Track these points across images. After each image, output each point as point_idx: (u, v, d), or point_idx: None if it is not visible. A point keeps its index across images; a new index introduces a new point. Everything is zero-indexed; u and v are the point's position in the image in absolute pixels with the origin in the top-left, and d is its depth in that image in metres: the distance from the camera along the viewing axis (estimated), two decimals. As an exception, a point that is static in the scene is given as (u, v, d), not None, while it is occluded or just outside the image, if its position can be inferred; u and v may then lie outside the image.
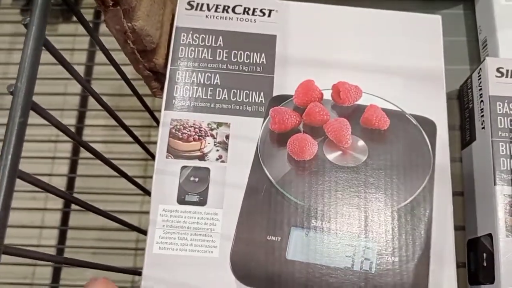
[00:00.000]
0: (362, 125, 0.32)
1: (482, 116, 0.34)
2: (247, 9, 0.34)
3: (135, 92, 0.35)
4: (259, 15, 0.34)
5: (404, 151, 0.32)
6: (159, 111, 0.40)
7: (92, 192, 0.61)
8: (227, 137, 0.31)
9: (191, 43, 0.33)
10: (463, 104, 0.38)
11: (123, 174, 0.34)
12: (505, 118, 0.33)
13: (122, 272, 0.33)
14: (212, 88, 0.33)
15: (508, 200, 0.31)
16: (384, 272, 0.29)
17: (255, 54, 0.33)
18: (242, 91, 0.33)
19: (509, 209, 0.31)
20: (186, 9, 0.34)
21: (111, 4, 0.27)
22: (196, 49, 0.33)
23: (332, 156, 0.32)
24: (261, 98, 0.32)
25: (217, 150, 0.31)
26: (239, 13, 0.34)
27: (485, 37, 0.39)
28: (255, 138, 0.31)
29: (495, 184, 0.32)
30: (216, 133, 0.32)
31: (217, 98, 0.32)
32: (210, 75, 0.33)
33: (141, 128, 0.62)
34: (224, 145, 0.31)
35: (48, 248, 0.61)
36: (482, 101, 0.34)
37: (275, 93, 0.33)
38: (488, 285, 0.31)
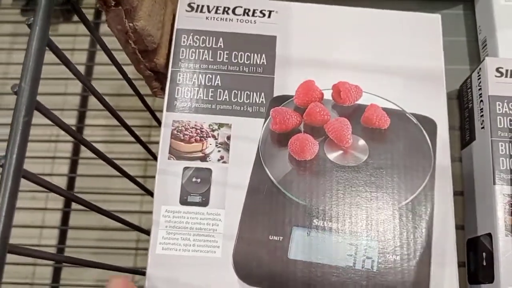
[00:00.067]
0: (363, 124, 0.32)
1: (482, 116, 0.34)
2: (247, 10, 0.35)
3: (137, 92, 0.35)
4: (259, 16, 0.34)
5: (405, 150, 0.32)
6: (159, 111, 0.40)
7: (92, 192, 0.61)
8: (229, 138, 0.32)
9: (192, 44, 0.34)
10: (463, 104, 0.38)
11: (125, 175, 0.34)
12: (505, 118, 0.33)
13: (127, 272, 0.33)
14: (213, 89, 0.33)
15: (508, 199, 0.31)
16: (386, 271, 0.29)
17: (255, 55, 0.34)
18: (243, 92, 0.33)
19: (508, 208, 0.31)
20: (186, 11, 0.34)
21: (113, 4, 0.27)
22: (197, 50, 0.33)
23: (333, 155, 0.32)
24: (262, 98, 0.33)
25: (219, 151, 0.31)
26: (239, 14, 0.34)
27: (485, 37, 0.40)
28: (256, 139, 0.32)
29: (494, 183, 0.32)
30: (218, 134, 0.32)
31: (218, 99, 0.32)
32: (211, 76, 0.33)
33: (141, 128, 0.62)
34: (226, 146, 0.31)
35: (49, 248, 0.61)
36: (481, 101, 0.35)
37: (275, 94, 0.33)
38: (488, 285, 0.31)
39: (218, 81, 0.33)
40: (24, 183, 0.21)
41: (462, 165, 0.38)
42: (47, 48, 0.22)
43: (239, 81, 0.33)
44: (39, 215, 0.65)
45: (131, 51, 0.31)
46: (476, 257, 0.33)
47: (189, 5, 0.35)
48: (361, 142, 0.32)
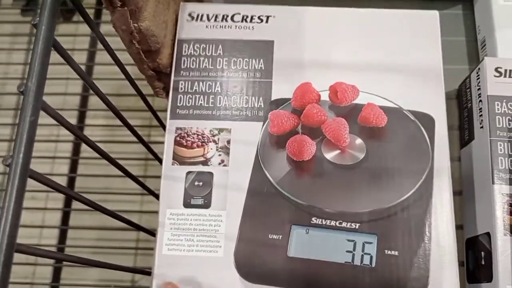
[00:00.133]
0: (360, 123, 0.33)
1: (481, 115, 0.34)
2: (245, 17, 0.35)
3: (139, 92, 0.35)
4: (257, 22, 0.35)
5: (403, 147, 0.32)
6: (159, 111, 0.40)
7: (92, 191, 0.61)
8: (229, 142, 0.32)
9: (193, 53, 0.35)
10: (462, 104, 0.38)
11: (129, 175, 0.34)
12: (504, 117, 0.33)
13: (131, 272, 0.34)
14: (213, 96, 0.34)
15: (506, 199, 0.32)
16: (385, 267, 0.29)
17: (253, 60, 0.34)
18: (241, 97, 0.34)
19: (507, 208, 0.31)
20: (187, 20, 0.35)
21: (118, 5, 0.27)
22: (198, 59, 0.34)
23: (330, 155, 0.32)
24: (260, 102, 0.33)
25: (220, 155, 0.32)
26: (238, 21, 0.35)
27: (484, 37, 0.40)
28: (255, 142, 0.32)
29: (493, 183, 0.32)
30: (218, 139, 0.33)
31: (218, 105, 0.33)
32: (211, 83, 0.34)
33: (141, 128, 0.62)
34: (226, 150, 0.32)
35: (49, 247, 0.62)
36: (480, 100, 0.35)
37: (273, 97, 0.34)
38: (486, 284, 0.32)
39: (217, 88, 0.34)
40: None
41: (461, 165, 0.38)
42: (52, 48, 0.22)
43: (238, 86, 0.34)
44: (39, 215, 0.65)
45: (135, 51, 0.31)
46: (475, 257, 0.34)
47: (189, 14, 0.36)
48: (359, 141, 0.32)
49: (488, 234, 0.32)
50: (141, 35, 0.30)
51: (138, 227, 0.36)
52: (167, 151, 0.33)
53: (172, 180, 0.32)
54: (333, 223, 0.30)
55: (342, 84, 0.33)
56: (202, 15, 0.35)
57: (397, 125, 0.33)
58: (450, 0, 0.42)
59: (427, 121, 0.32)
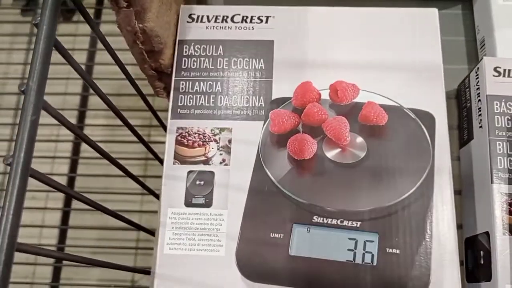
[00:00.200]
0: (361, 122, 0.33)
1: (480, 115, 0.35)
2: (245, 17, 0.35)
3: (139, 92, 0.35)
4: (256, 22, 0.35)
5: (403, 145, 0.32)
6: (160, 111, 0.40)
7: (92, 191, 0.61)
8: (230, 141, 0.33)
9: (193, 54, 0.35)
10: (461, 103, 0.39)
11: (129, 175, 0.34)
12: (502, 117, 0.33)
13: (131, 271, 0.34)
14: (214, 96, 0.34)
15: (505, 198, 0.32)
16: (386, 265, 0.29)
17: (254, 60, 0.34)
18: (242, 97, 0.34)
19: (506, 207, 0.32)
20: (187, 22, 0.36)
21: (124, 6, 0.27)
22: (198, 59, 0.35)
23: (331, 154, 0.32)
24: (261, 102, 0.34)
25: (221, 154, 0.32)
26: (238, 22, 0.35)
27: (483, 36, 0.40)
28: (256, 141, 0.33)
29: (492, 182, 0.32)
30: (219, 138, 0.33)
31: (219, 104, 0.34)
32: (211, 83, 0.34)
33: (141, 128, 0.62)
34: (227, 149, 0.32)
35: (49, 247, 0.62)
36: (479, 100, 0.35)
37: (274, 96, 0.34)
38: (485, 283, 0.32)
39: (218, 87, 0.34)
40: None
41: (460, 164, 0.38)
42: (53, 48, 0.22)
43: (238, 86, 0.34)
44: (39, 214, 0.65)
45: (138, 51, 0.32)
46: (474, 256, 0.34)
47: (189, 16, 0.36)
48: (359, 139, 0.32)
49: (487, 233, 0.32)
50: (145, 35, 0.31)
51: (138, 227, 0.37)
52: (168, 150, 0.33)
53: (174, 179, 0.32)
54: (334, 221, 0.30)
55: (342, 82, 0.33)
56: (202, 17, 0.36)
57: (398, 123, 0.33)
58: (449, 0, 0.43)
59: (428, 119, 0.33)
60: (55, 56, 0.25)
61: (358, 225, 0.30)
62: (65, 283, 0.63)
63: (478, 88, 0.35)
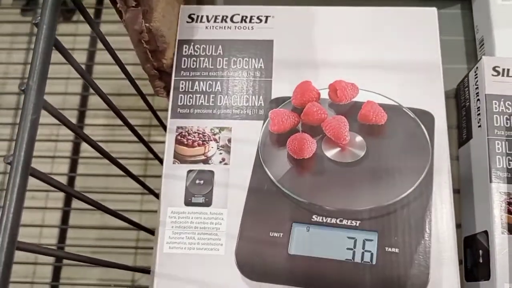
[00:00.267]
0: (360, 121, 0.33)
1: (479, 114, 0.35)
2: (244, 17, 0.36)
3: (139, 92, 0.35)
4: (256, 22, 0.35)
5: (403, 144, 0.32)
6: (160, 110, 0.40)
7: (92, 191, 0.61)
8: (229, 140, 0.33)
9: (193, 54, 0.35)
10: (460, 103, 0.39)
11: (130, 175, 0.34)
12: (501, 116, 0.33)
13: (131, 270, 0.34)
14: (213, 95, 0.34)
15: (504, 197, 0.32)
16: (385, 264, 0.29)
17: (253, 59, 0.35)
18: (242, 96, 0.34)
19: (504, 206, 0.32)
20: (187, 22, 0.36)
21: (133, 5, 0.28)
22: (198, 59, 0.35)
23: (330, 153, 0.32)
24: (261, 101, 0.34)
25: (220, 153, 0.32)
26: (237, 22, 0.36)
27: (482, 36, 0.40)
28: (256, 140, 0.33)
29: (491, 181, 0.32)
30: (219, 137, 0.33)
31: (218, 104, 0.34)
32: (211, 83, 0.34)
33: (141, 127, 0.62)
34: (227, 149, 0.33)
35: (49, 247, 0.62)
36: (478, 99, 0.35)
37: (273, 96, 0.34)
38: (484, 282, 0.32)
39: (218, 87, 0.34)
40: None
41: (459, 164, 0.38)
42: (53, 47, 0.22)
43: (238, 85, 0.34)
44: (39, 214, 0.65)
45: (143, 50, 0.32)
46: (473, 255, 0.34)
47: (189, 16, 0.36)
48: (359, 138, 0.32)
49: (486, 232, 0.32)
50: (151, 35, 0.31)
51: (139, 227, 0.37)
52: (168, 149, 0.33)
53: (173, 179, 0.32)
54: (333, 220, 0.30)
55: (341, 82, 0.33)
56: (201, 17, 0.36)
57: (397, 122, 0.33)
58: (449, -1, 0.43)
59: (427, 119, 0.33)
60: (55, 56, 0.25)
61: (357, 224, 0.30)
62: (65, 283, 0.63)
63: (477, 88, 0.35)
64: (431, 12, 0.35)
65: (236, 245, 0.30)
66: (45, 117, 0.27)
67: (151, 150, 0.40)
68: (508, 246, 0.31)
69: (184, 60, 0.35)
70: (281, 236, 0.30)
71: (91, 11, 0.64)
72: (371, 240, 0.30)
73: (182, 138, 0.33)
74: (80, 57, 0.65)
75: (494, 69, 0.34)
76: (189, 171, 0.32)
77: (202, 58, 0.35)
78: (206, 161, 0.32)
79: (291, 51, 0.35)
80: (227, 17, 0.36)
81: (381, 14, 0.36)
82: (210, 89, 0.34)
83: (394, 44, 0.35)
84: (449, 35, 0.41)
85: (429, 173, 0.31)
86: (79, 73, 0.26)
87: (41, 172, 0.21)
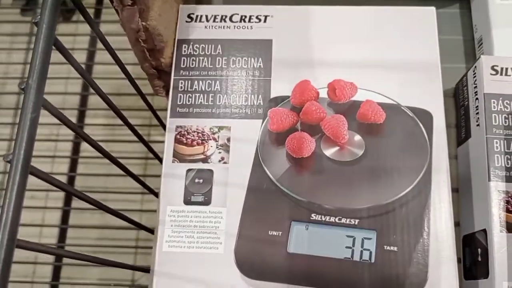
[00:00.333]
0: (359, 120, 0.33)
1: (477, 113, 0.35)
2: (243, 17, 0.36)
3: (139, 92, 0.35)
4: (255, 22, 0.36)
5: (401, 143, 0.32)
6: (159, 110, 0.40)
7: (91, 191, 0.61)
8: (229, 139, 0.33)
9: (192, 53, 0.35)
10: (459, 102, 0.39)
11: (130, 174, 0.35)
12: (500, 115, 0.33)
13: (131, 269, 0.34)
14: (213, 94, 0.34)
15: (502, 196, 0.32)
16: (384, 262, 0.29)
17: (252, 59, 0.35)
18: (241, 95, 0.34)
19: (503, 204, 0.32)
20: (186, 21, 0.36)
21: (129, 4, 0.28)
22: (197, 58, 0.35)
23: (329, 152, 0.32)
24: (260, 100, 0.34)
25: (220, 152, 0.33)
26: (236, 21, 0.36)
27: (481, 35, 0.40)
28: (255, 139, 0.33)
29: (489, 180, 0.32)
30: (218, 137, 0.33)
31: (217, 103, 0.34)
32: (210, 82, 0.34)
33: (141, 127, 0.63)
34: (226, 147, 0.33)
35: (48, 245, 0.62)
36: (477, 98, 0.35)
37: (272, 95, 0.34)
38: (483, 280, 0.32)
39: (217, 86, 0.34)
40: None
41: (457, 162, 0.38)
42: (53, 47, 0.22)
43: (237, 85, 0.34)
44: (39, 214, 0.65)
45: (140, 49, 0.32)
46: (472, 253, 0.34)
47: (188, 16, 0.36)
48: (357, 137, 0.33)
49: (484, 231, 0.32)
50: (148, 34, 0.31)
51: (140, 226, 0.37)
52: (167, 148, 0.33)
53: (173, 178, 0.32)
54: (332, 219, 0.30)
55: (340, 81, 0.33)
56: (201, 16, 0.36)
57: (396, 121, 0.33)
58: (448, -1, 0.43)
59: (426, 118, 0.33)
60: (55, 56, 0.25)
61: (356, 223, 0.30)
62: (65, 282, 0.63)
63: (475, 87, 0.35)
64: (430, 12, 0.36)
65: (235, 244, 0.30)
66: (45, 117, 0.27)
67: (151, 149, 0.40)
68: (507, 245, 0.31)
69: (183, 59, 0.35)
70: (280, 234, 0.30)
71: (90, 11, 0.64)
72: (370, 239, 0.30)
73: (182, 137, 0.33)
74: (80, 57, 0.65)
75: (492, 68, 0.34)
76: (189, 170, 0.32)
77: (201, 58, 0.35)
78: (205, 160, 0.32)
79: (290, 50, 0.35)
80: (226, 16, 0.36)
81: (379, 13, 0.36)
82: (209, 89, 0.34)
83: (393, 44, 0.35)
84: (448, 35, 0.41)
85: (427, 172, 0.31)
86: (79, 72, 0.26)
87: (40, 171, 0.21)
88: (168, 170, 0.32)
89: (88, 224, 0.63)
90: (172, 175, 0.32)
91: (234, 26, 0.36)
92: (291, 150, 0.32)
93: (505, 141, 0.33)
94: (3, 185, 0.66)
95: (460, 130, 0.38)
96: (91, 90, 0.29)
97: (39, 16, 0.21)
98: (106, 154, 0.30)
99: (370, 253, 0.30)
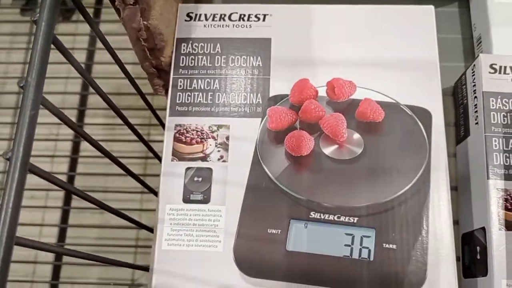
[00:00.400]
0: (358, 118, 0.33)
1: (476, 112, 0.35)
2: (242, 16, 0.36)
3: (139, 91, 0.35)
4: (254, 20, 0.36)
5: (400, 141, 0.32)
6: (159, 109, 0.40)
7: (91, 190, 0.61)
8: (228, 138, 0.33)
9: (191, 52, 0.35)
10: (458, 101, 0.39)
11: (130, 173, 0.35)
12: (498, 113, 0.34)
13: (130, 267, 0.34)
14: (212, 93, 0.34)
15: (501, 194, 0.32)
16: (383, 260, 0.30)
17: (251, 57, 0.35)
18: (240, 94, 0.34)
19: (502, 202, 0.32)
20: (185, 20, 0.36)
21: (131, 3, 0.28)
22: (196, 57, 0.35)
23: (328, 150, 0.32)
24: (259, 99, 0.34)
25: (219, 151, 0.33)
26: (235, 20, 0.36)
27: (480, 34, 0.40)
28: (254, 138, 0.33)
29: (488, 178, 0.32)
30: (217, 135, 0.33)
31: (216, 102, 0.34)
32: (209, 81, 0.34)
33: (140, 126, 0.63)
34: (225, 146, 0.33)
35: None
36: (476, 97, 0.35)
37: (271, 94, 0.34)
38: (482, 278, 0.32)
39: (216, 85, 0.34)
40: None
41: (456, 161, 0.38)
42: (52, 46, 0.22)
43: (236, 83, 0.34)
44: (39, 213, 0.65)
45: (141, 48, 0.32)
46: (471, 251, 0.34)
47: (187, 14, 0.36)
48: (356, 136, 0.33)
49: (483, 229, 0.32)
50: (149, 33, 0.31)
51: (140, 225, 0.37)
52: (166, 147, 0.33)
53: (172, 176, 0.32)
54: (331, 217, 0.30)
55: (339, 79, 0.33)
56: (200, 15, 0.36)
57: (394, 119, 0.33)
58: (446, -2, 0.43)
59: (424, 116, 0.33)
60: (55, 55, 0.25)
61: (355, 221, 0.30)
62: (65, 281, 0.63)
63: (474, 85, 0.35)
64: (429, 10, 0.36)
65: (234, 242, 0.30)
66: (45, 117, 0.27)
67: (150, 149, 0.40)
68: (506, 243, 0.31)
69: (183, 58, 0.35)
70: (279, 232, 0.30)
71: (90, 11, 0.64)
72: (369, 237, 0.30)
73: (181, 136, 0.33)
74: (80, 57, 0.65)
75: (491, 66, 0.34)
76: (188, 169, 0.32)
77: (200, 56, 0.35)
78: (204, 158, 0.33)
79: (289, 49, 0.35)
80: (225, 15, 0.36)
81: (378, 12, 0.36)
82: (208, 87, 0.34)
83: (392, 42, 0.35)
84: (446, 33, 0.41)
85: (426, 170, 0.31)
86: (78, 71, 0.26)
87: (39, 169, 0.21)
88: (167, 169, 0.32)
89: (88, 224, 0.63)
90: (171, 173, 0.32)
91: (233, 25, 0.36)
92: (290, 148, 0.32)
93: (503, 139, 0.33)
94: (3, 185, 0.66)
95: (459, 128, 0.38)
96: (91, 90, 0.29)
97: (38, 14, 0.21)
98: (105, 153, 0.30)
99: (369, 251, 0.30)
